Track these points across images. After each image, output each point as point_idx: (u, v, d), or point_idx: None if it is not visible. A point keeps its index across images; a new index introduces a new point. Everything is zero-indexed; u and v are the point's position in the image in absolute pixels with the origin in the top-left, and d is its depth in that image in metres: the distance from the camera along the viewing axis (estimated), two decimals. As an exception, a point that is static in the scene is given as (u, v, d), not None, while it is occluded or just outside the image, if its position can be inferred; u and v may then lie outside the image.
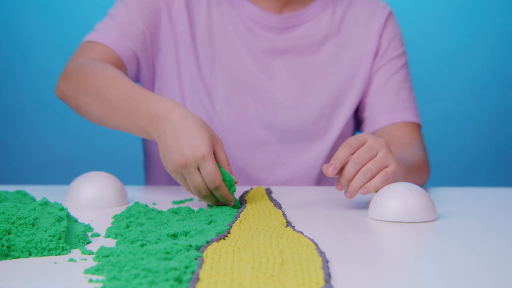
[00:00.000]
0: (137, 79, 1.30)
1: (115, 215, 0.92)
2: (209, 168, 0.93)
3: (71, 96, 1.16)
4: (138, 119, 1.02)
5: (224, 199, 0.97)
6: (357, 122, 1.38)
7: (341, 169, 0.96)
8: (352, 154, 0.96)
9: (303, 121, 1.30)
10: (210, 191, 0.96)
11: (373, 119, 1.32)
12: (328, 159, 1.32)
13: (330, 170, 0.94)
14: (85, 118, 1.16)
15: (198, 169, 0.95)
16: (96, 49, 1.22)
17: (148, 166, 1.39)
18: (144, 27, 1.26)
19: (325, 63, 1.32)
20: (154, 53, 1.29)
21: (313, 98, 1.31)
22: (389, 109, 1.31)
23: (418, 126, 1.33)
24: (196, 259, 0.67)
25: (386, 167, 0.96)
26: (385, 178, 0.95)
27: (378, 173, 0.95)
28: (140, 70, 1.28)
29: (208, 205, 0.98)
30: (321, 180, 1.33)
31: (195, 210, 0.96)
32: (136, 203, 0.96)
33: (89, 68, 1.14)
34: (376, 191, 0.97)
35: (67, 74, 1.18)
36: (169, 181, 1.35)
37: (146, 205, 0.95)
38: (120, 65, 1.23)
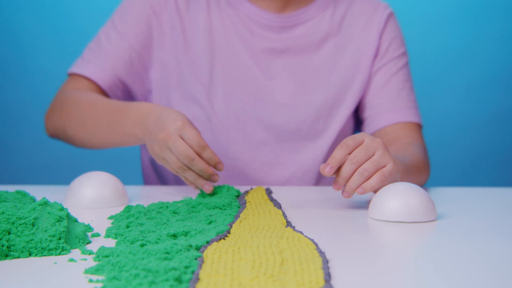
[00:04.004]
0: (128, 96, 1.33)
1: (112, 216, 0.92)
2: (192, 132, 1.02)
3: (59, 131, 1.26)
4: (124, 125, 1.12)
5: (212, 160, 1.04)
6: (357, 122, 1.38)
7: (338, 169, 0.96)
8: (349, 154, 0.96)
9: (301, 120, 1.30)
10: (191, 168, 1.03)
11: (374, 119, 1.32)
12: (326, 158, 1.32)
13: (327, 170, 0.95)
14: (78, 146, 1.26)
15: (181, 138, 1.03)
16: (79, 83, 1.28)
17: (144, 166, 1.40)
18: (131, 49, 1.29)
19: (324, 63, 1.32)
20: (146, 67, 1.31)
21: (312, 97, 1.31)
22: (390, 109, 1.31)
23: (419, 127, 1.33)
24: (196, 259, 0.67)
25: (383, 167, 0.96)
26: (382, 178, 0.95)
27: (375, 173, 0.96)
28: (130, 87, 1.31)
29: (208, 207, 0.98)
30: (319, 179, 1.33)
31: (195, 207, 0.96)
32: (128, 206, 0.96)
33: (70, 100, 1.23)
34: (373, 191, 0.97)
35: (51, 113, 1.28)
36: (160, 182, 1.36)
37: (142, 206, 0.95)
38: (102, 93, 1.28)
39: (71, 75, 1.30)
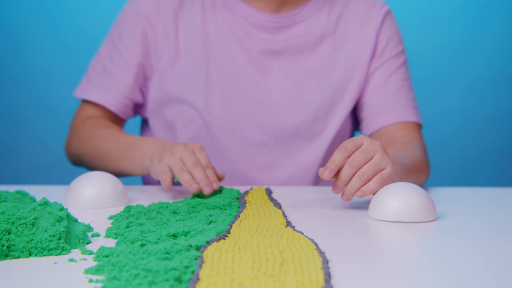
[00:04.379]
0: (136, 109, 1.36)
1: (112, 216, 0.92)
2: (205, 153, 1.08)
3: (78, 160, 1.33)
4: (134, 154, 1.17)
5: (213, 177, 1.06)
6: (355, 121, 1.38)
7: (338, 172, 0.96)
8: (348, 157, 0.96)
9: (299, 121, 1.30)
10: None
11: (372, 118, 1.32)
12: (325, 159, 1.32)
13: (326, 174, 0.94)
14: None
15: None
16: (91, 110, 1.33)
17: None
18: (134, 66, 1.31)
19: (321, 63, 1.32)
20: (147, 77, 1.33)
21: (309, 98, 1.30)
22: (389, 109, 1.31)
23: (419, 126, 1.32)
24: (196, 259, 0.67)
25: (382, 170, 0.96)
26: (381, 181, 0.95)
27: (374, 176, 0.96)
28: (137, 101, 1.33)
29: (208, 208, 0.98)
30: (319, 180, 1.33)
31: (195, 207, 0.96)
32: (128, 206, 0.96)
33: (85, 132, 1.30)
34: (372, 194, 0.96)
35: (69, 144, 1.36)
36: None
37: (143, 206, 0.95)
38: (112, 116, 1.33)
39: (83, 100, 1.34)
